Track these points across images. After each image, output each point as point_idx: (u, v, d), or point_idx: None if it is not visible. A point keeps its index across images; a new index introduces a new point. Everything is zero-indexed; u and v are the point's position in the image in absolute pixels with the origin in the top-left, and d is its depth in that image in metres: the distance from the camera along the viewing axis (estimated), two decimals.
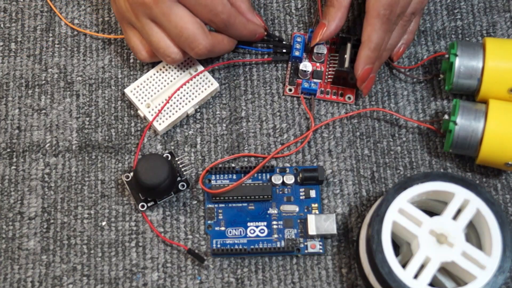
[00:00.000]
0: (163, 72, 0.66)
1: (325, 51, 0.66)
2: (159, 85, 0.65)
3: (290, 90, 0.67)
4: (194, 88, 0.65)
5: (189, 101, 0.65)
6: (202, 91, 0.65)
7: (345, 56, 0.65)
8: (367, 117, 0.66)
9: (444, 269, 0.58)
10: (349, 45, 0.65)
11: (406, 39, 0.66)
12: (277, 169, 0.64)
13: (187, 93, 0.65)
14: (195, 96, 0.65)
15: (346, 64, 0.65)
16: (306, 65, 0.66)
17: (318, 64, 0.67)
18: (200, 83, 0.65)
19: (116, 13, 0.64)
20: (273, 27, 0.69)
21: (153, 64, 0.67)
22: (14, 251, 0.62)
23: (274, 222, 0.62)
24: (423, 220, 0.57)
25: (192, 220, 0.63)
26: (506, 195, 0.64)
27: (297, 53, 0.66)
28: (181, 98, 0.65)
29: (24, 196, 0.63)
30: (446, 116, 0.63)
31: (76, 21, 0.69)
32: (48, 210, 0.63)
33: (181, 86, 0.65)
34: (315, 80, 0.66)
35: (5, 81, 0.67)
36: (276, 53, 0.67)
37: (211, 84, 0.65)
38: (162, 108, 0.64)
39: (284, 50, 0.67)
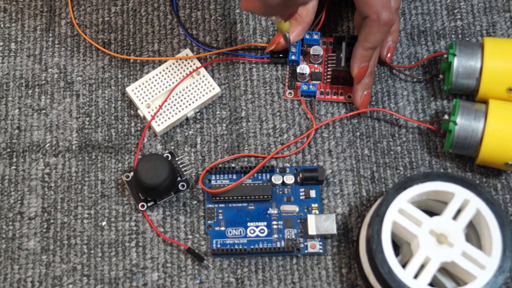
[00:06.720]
0: (166, 74, 0.66)
1: (321, 52, 0.66)
2: (160, 86, 0.66)
3: (290, 94, 0.67)
4: (195, 91, 0.65)
5: (190, 104, 0.65)
6: (203, 95, 0.65)
7: (341, 55, 0.65)
8: (367, 117, 0.66)
9: (444, 269, 0.58)
10: (344, 44, 0.65)
11: (393, 38, 0.66)
12: (277, 169, 0.64)
13: (188, 96, 0.65)
14: (196, 100, 0.65)
15: (342, 63, 0.65)
16: (303, 68, 0.66)
17: (316, 66, 0.67)
18: (202, 87, 0.65)
19: None
20: (269, 30, 0.69)
21: (154, 66, 0.67)
22: (14, 251, 0.62)
23: (274, 222, 0.62)
24: (423, 220, 0.57)
25: (192, 220, 0.63)
26: (506, 195, 0.64)
27: (293, 57, 0.66)
28: (181, 100, 0.65)
29: (24, 196, 0.63)
30: (446, 116, 0.63)
31: (76, 21, 0.69)
32: (48, 210, 0.63)
33: (179, 84, 0.65)
34: (314, 82, 0.66)
35: (5, 81, 0.67)
36: (273, 56, 0.67)
37: (213, 89, 0.65)
38: (160, 107, 0.64)
39: (281, 55, 0.67)
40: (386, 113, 0.66)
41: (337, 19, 0.69)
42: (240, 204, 0.63)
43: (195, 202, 0.63)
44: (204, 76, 0.66)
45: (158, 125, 0.64)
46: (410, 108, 0.66)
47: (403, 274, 0.56)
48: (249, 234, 0.62)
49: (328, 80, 0.67)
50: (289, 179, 0.63)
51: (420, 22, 0.69)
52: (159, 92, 0.65)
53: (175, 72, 0.66)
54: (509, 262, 0.56)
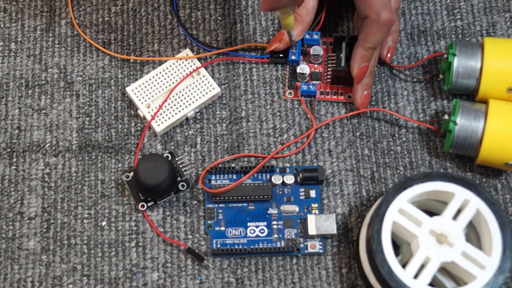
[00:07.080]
0: (166, 74, 0.66)
1: (321, 52, 0.66)
2: (160, 86, 0.66)
3: (290, 94, 0.67)
4: (195, 91, 0.65)
5: (190, 104, 0.65)
6: (203, 95, 0.65)
7: (341, 55, 0.65)
8: (367, 117, 0.66)
9: (444, 269, 0.58)
10: (344, 44, 0.65)
11: (393, 38, 0.66)
12: (277, 169, 0.64)
13: (188, 96, 0.65)
14: (196, 100, 0.65)
15: (342, 63, 0.65)
16: (303, 68, 0.66)
17: (316, 66, 0.67)
18: (202, 87, 0.66)
19: None
20: (269, 30, 0.69)
21: (154, 66, 0.67)
22: (14, 251, 0.62)
23: (274, 222, 0.62)
24: (423, 220, 0.57)
25: (192, 220, 0.63)
26: (506, 195, 0.64)
27: (293, 57, 0.66)
28: (181, 100, 0.65)
29: (24, 196, 0.63)
30: (446, 116, 0.63)
31: (76, 21, 0.69)
32: (48, 210, 0.63)
33: (179, 84, 0.65)
34: (314, 82, 0.66)
35: (5, 81, 0.67)
36: (273, 56, 0.67)
37: (213, 89, 0.65)
38: (160, 107, 0.64)
39: (281, 55, 0.67)
40: (386, 113, 0.66)
41: (337, 19, 0.69)
42: (240, 204, 0.63)
43: (195, 202, 0.63)
44: (204, 76, 0.66)
45: (158, 125, 0.64)
46: (410, 108, 0.66)
47: (403, 274, 0.56)
48: (249, 234, 0.62)
49: (328, 80, 0.67)
50: (289, 179, 0.63)
51: (420, 22, 0.69)
52: (159, 92, 0.65)
53: (175, 72, 0.66)
54: (509, 262, 0.56)
